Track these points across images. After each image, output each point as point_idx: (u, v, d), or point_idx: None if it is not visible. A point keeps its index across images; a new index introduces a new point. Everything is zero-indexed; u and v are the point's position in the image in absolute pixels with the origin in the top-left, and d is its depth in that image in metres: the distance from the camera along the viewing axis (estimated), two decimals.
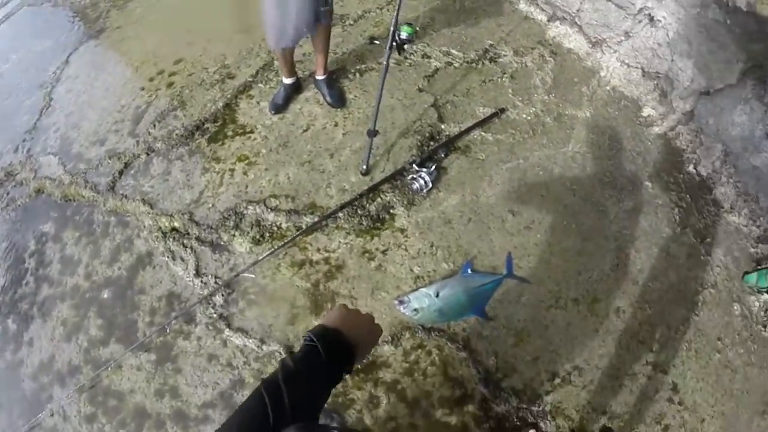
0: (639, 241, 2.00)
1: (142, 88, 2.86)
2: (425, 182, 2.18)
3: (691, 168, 2.15)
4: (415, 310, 1.57)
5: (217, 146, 2.48)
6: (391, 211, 2.18)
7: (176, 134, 2.56)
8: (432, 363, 1.84)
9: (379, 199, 2.20)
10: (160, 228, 2.24)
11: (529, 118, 2.45)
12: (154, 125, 2.64)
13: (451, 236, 2.10)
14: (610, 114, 2.41)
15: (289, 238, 2.04)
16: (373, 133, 2.18)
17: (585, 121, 2.38)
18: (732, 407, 1.72)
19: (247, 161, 2.38)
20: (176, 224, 2.23)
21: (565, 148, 2.27)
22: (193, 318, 2.02)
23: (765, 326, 1.88)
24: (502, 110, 2.45)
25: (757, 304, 1.92)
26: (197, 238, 2.18)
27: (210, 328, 1.99)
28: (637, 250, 1.98)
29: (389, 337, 1.90)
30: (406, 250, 2.08)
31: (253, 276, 2.01)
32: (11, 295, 2.26)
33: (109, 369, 1.94)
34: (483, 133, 2.41)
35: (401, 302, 1.60)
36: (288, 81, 2.50)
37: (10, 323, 2.19)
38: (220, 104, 2.64)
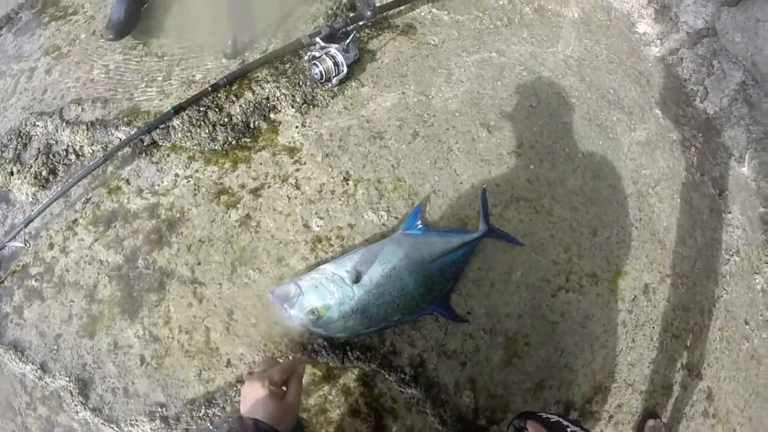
0: (660, 186, 1.44)
1: None
2: (335, 65, 1.20)
3: (698, 102, 1.69)
4: (314, 312, 0.91)
5: (24, 40, 1.53)
6: (272, 114, 1.20)
7: None
8: (352, 411, 1.04)
9: (249, 95, 1.21)
10: None
11: (502, 2, 1.63)
12: None
13: (383, 162, 1.20)
14: (601, 21, 1.75)
15: (80, 173, 1.11)
16: None
17: (573, 22, 1.69)
18: (758, 409, 1.43)
19: (56, 53, 1.42)
20: None
21: (554, 48, 1.58)
22: None
23: None
24: None
25: None
26: None
27: None
28: (660, 199, 1.41)
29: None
30: (298, 186, 1.14)
31: (22, 244, 1.11)
32: None
33: None
34: (435, 10, 1.55)
35: (284, 298, 0.91)
36: None
37: None
38: None
